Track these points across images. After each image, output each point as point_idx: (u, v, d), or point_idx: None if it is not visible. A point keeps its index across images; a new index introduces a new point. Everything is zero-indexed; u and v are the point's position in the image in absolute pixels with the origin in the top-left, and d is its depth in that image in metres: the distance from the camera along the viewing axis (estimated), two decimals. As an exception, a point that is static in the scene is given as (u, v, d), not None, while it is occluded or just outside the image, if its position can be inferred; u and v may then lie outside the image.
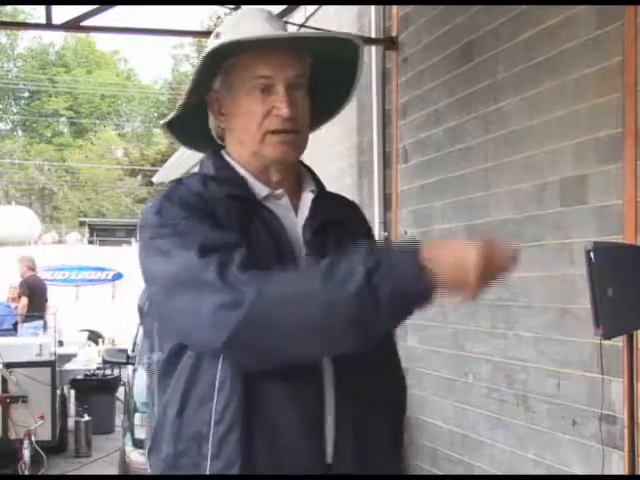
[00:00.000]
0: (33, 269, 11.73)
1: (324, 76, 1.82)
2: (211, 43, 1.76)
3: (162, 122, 1.85)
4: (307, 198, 1.79)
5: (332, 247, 1.73)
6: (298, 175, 1.83)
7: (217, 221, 1.65)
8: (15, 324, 11.17)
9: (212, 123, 1.82)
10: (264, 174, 1.76)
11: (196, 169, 1.86)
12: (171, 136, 1.90)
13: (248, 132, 1.73)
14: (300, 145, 1.76)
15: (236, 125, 1.76)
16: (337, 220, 1.79)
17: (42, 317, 11.08)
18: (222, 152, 1.81)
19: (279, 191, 1.76)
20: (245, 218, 1.70)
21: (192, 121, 1.83)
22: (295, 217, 1.76)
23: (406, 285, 1.48)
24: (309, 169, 1.87)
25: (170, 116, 1.82)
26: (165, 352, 1.71)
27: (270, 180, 1.77)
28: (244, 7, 1.85)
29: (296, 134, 1.74)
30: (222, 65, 1.74)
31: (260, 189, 1.76)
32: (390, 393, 1.82)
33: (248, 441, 1.61)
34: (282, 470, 1.63)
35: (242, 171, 1.77)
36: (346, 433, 1.67)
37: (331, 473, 1.65)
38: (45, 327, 11.00)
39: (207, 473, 1.63)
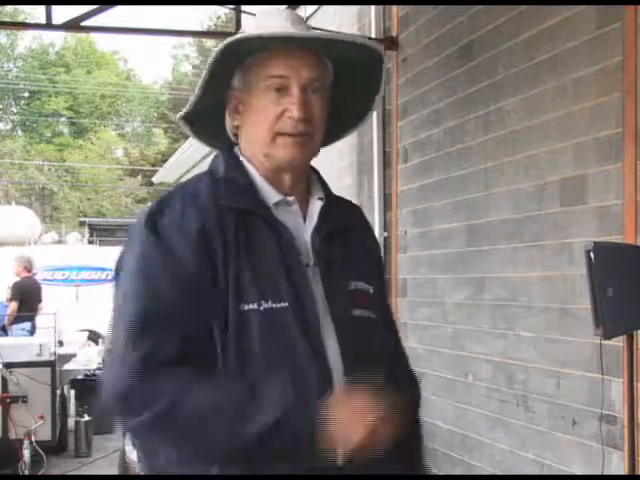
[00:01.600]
0: (29, 270, 11.68)
1: (347, 87, 1.80)
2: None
3: (178, 115, 1.83)
4: (316, 205, 1.77)
5: (339, 254, 1.74)
6: (308, 180, 1.81)
7: (200, 256, 1.63)
8: (3, 327, 11.16)
9: (228, 122, 1.80)
10: (276, 177, 1.74)
11: (195, 170, 1.86)
12: (189, 131, 1.87)
13: (260, 132, 1.71)
14: (312, 148, 1.74)
15: (250, 124, 1.74)
16: (344, 227, 1.79)
17: (31, 318, 11.07)
18: (236, 150, 1.79)
19: (291, 198, 1.74)
20: (251, 228, 1.68)
21: (210, 118, 1.81)
22: (304, 224, 1.75)
23: (299, 443, 1.56)
24: (317, 173, 1.85)
25: (185, 110, 1.80)
26: None
27: (282, 184, 1.75)
28: (268, 7, 1.84)
29: (308, 137, 1.71)
30: (242, 62, 1.72)
31: (271, 195, 1.74)
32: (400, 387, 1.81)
33: None
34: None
35: (254, 173, 1.75)
36: None
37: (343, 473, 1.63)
38: (33, 329, 10.99)
39: None
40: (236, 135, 1.80)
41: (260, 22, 1.76)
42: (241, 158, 1.77)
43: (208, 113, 1.80)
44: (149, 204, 1.75)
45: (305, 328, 1.65)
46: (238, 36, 1.68)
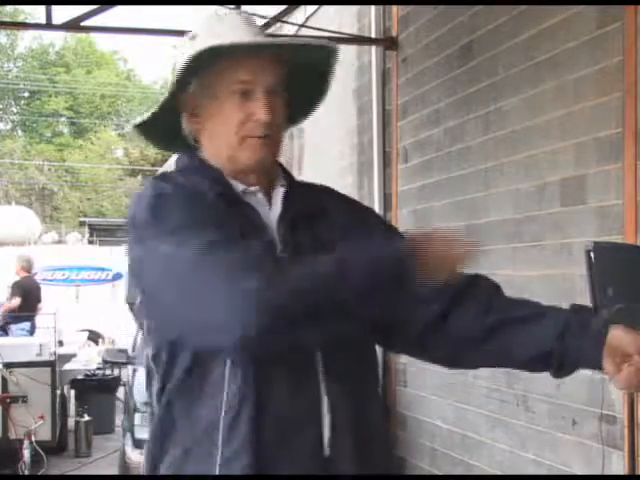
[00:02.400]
0: (28, 270, 11.68)
1: (297, 76, 1.81)
2: (190, 45, 1.74)
3: (133, 124, 1.82)
4: (279, 193, 1.79)
5: (306, 240, 1.74)
6: (271, 172, 1.83)
7: (209, 216, 1.65)
8: (2, 327, 11.18)
9: (186, 126, 1.80)
10: (241, 176, 1.76)
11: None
12: (141, 139, 1.86)
13: (225, 136, 1.73)
14: (276, 149, 1.77)
15: (212, 128, 1.75)
16: (310, 211, 1.79)
17: (31, 318, 11.07)
18: (197, 153, 1.80)
19: (254, 188, 1.76)
20: (228, 214, 1.69)
21: (163, 121, 1.80)
22: (269, 212, 1.77)
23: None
24: (279, 163, 1.87)
25: (141, 119, 1.80)
26: (160, 351, 1.70)
27: (247, 180, 1.77)
28: (219, 8, 1.83)
29: (273, 138, 1.74)
30: (201, 67, 1.72)
31: (236, 185, 1.76)
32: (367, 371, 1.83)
33: (257, 427, 1.62)
34: (287, 456, 1.63)
35: (218, 170, 1.76)
36: (343, 421, 1.67)
37: (330, 458, 1.66)
38: (33, 329, 11.00)
39: (218, 461, 1.63)
40: (195, 138, 1.80)
41: (217, 25, 1.76)
42: (203, 158, 1.78)
43: (159, 116, 1.79)
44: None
45: None
46: (210, 45, 1.68)
